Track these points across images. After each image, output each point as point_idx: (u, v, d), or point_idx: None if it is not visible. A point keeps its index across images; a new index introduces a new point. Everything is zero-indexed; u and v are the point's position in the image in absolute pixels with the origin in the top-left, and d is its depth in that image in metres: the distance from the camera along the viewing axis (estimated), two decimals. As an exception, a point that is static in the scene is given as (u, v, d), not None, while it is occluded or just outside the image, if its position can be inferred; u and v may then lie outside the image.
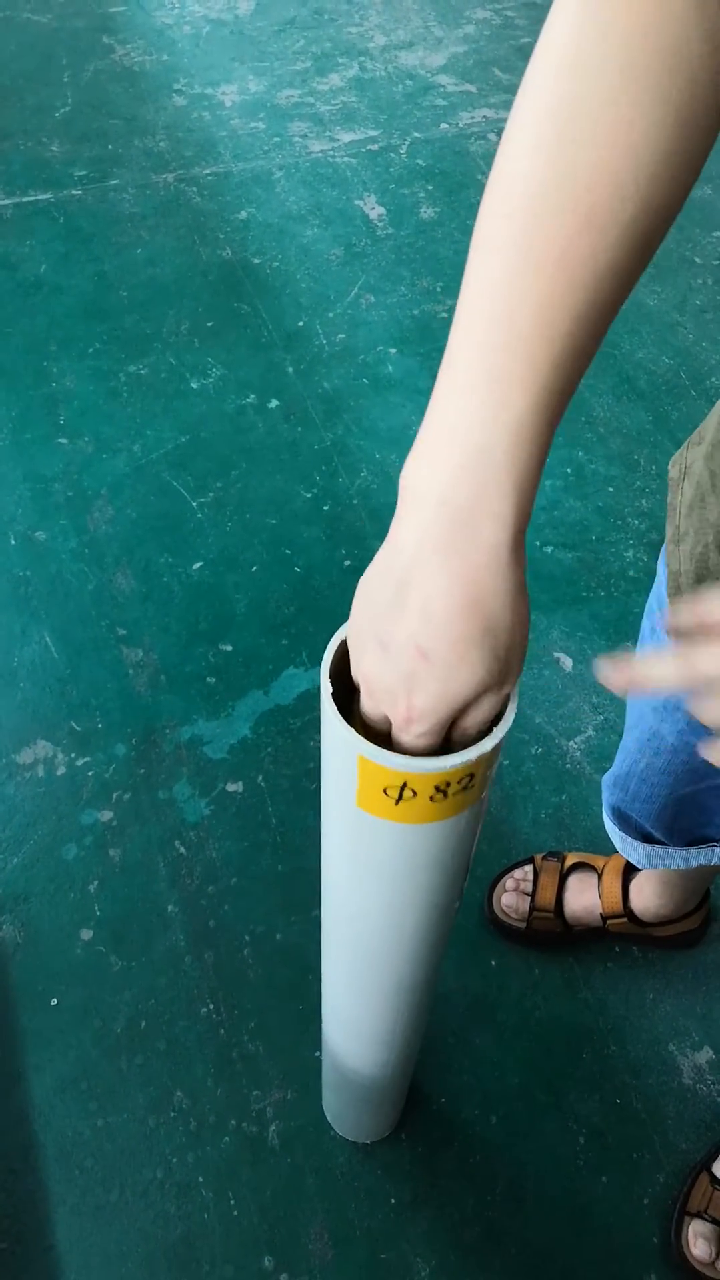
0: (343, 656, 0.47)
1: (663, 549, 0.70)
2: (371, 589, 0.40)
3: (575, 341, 0.35)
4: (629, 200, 0.33)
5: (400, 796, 0.45)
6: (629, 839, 0.94)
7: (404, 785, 0.44)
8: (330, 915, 0.61)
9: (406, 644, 0.38)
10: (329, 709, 0.44)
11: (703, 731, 0.72)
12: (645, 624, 0.75)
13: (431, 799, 0.45)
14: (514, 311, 0.34)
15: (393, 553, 0.38)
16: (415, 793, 0.44)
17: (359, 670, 0.41)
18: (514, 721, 0.45)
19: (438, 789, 0.44)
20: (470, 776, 0.44)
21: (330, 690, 0.45)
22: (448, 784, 0.44)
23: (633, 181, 0.32)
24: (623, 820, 0.93)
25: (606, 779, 0.93)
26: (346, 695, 0.49)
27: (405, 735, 0.41)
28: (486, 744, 0.43)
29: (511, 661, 0.39)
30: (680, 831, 0.89)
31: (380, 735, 0.46)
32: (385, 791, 0.45)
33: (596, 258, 0.33)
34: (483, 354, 0.35)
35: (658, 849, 0.93)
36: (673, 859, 0.93)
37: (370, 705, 0.42)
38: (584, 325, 0.35)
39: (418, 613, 0.37)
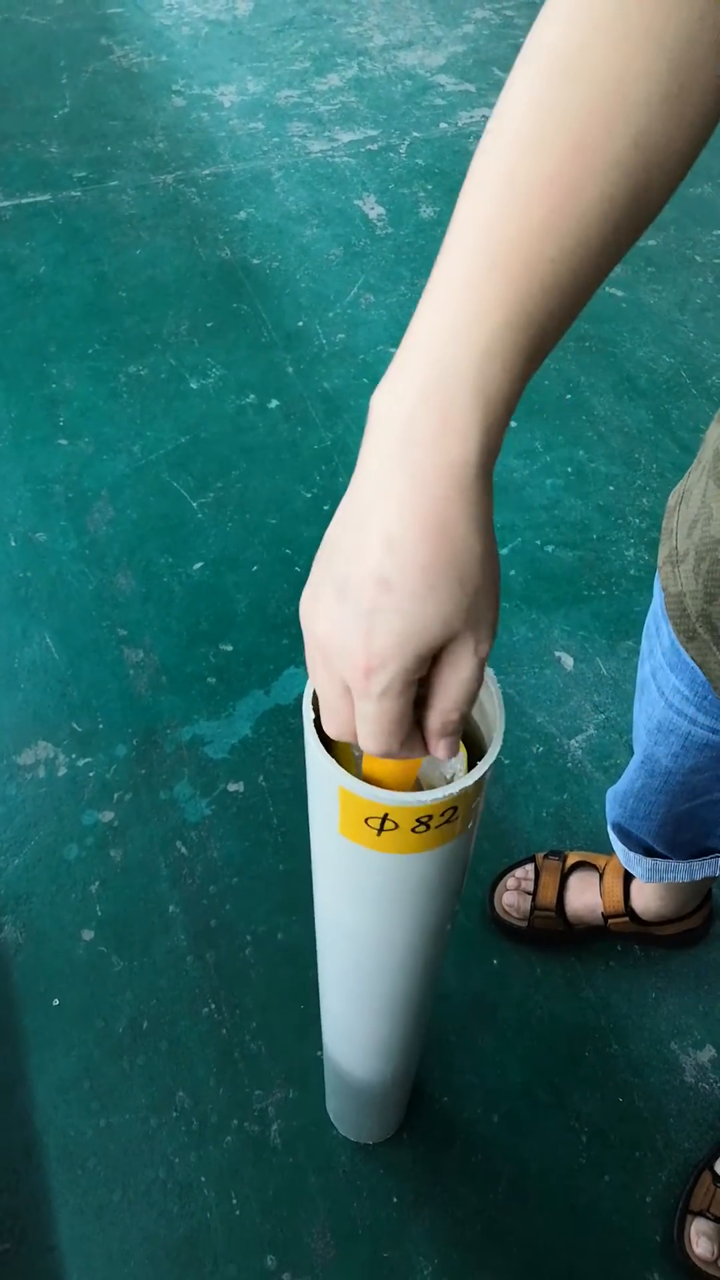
0: None
1: (657, 576, 0.70)
2: (332, 537, 0.37)
3: (558, 272, 0.34)
4: (618, 135, 0.32)
5: (382, 828, 0.44)
6: (632, 854, 0.94)
7: (385, 817, 0.43)
8: (323, 930, 0.61)
9: (367, 579, 0.35)
10: (311, 739, 0.44)
11: (696, 755, 0.72)
12: (645, 645, 0.74)
13: (414, 830, 0.44)
14: (496, 235, 0.34)
15: (354, 492, 0.36)
16: (396, 825, 0.43)
17: (314, 637, 0.38)
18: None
19: (420, 821, 0.43)
20: (453, 810, 0.43)
21: (313, 717, 0.44)
22: (429, 817, 0.43)
23: (622, 118, 0.32)
24: (625, 835, 0.93)
25: (609, 795, 0.93)
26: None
27: (368, 702, 0.37)
28: (469, 779, 0.42)
29: (480, 604, 0.36)
30: (682, 845, 0.89)
31: (373, 774, 0.45)
32: (367, 822, 0.44)
33: (584, 187, 0.33)
34: (460, 275, 0.34)
35: (661, 863, 0.93)
36: (677, 872, 0.93)
37: (325, 680, 0.38)
38: (568, 259, 0.34)
39: (379, 543, 0.35)
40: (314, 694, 0.44)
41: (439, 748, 0.40)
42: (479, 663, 0.38)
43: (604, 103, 0.32)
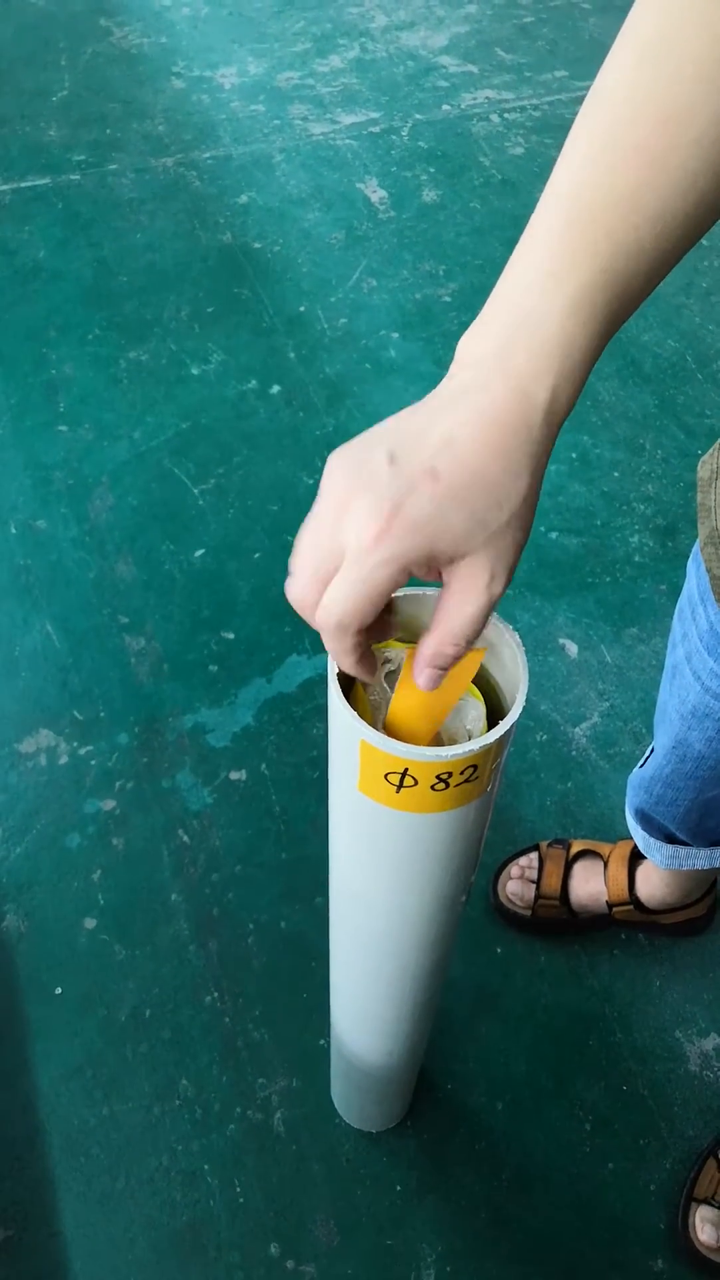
0: None
1: (694, 553, 0.69)
2: (396, 419, 0.39)
3: (641, 239, 0.36)
4: (701, 113, 0.35)
5: (401, 784, 0.44)
6: (652, 840, 0.94)
7: (405, 772, 0.43)
8: (337, 900, 0.61)
9: (419, 462, 0.36)
10: (335, 691, 0.44)
11: None
12: (677, 629, 0.73)
13: (433, 788, 0.44)
14: (584, 201, 0.36)
15: (432, 395, 0.38)
16: (416, 781, 0.43)
17: (340, 487, 0.38)
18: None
19: (439, 778, 0.43)
20: (473, 768, 0.43)
21: (336, 672, 0.44)
22: (449, 774, 0.43)
23: (705, 97, 0.35)
24: (646, 822, 0.93)
25: (632, 780, 0.92)
26: (352, 680, 0.49)
27: (362, 567, 0.37)
28: (490, 736, 0.42)
29: (507, 538, 0.38)
30: (706, 832, 0.89)
31: (395, 731, 0.45)
32: (387, 778, 0.44)
33: (668, 160, 0.35)
34: (549, 235, 0.37)
35: (681, 849, 0.93)
36: (697, 859, 0.93)
37: (326, 536, 0.38)
38: (652, 226, 0.36)
39: (441, 438, 0.37)
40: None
41: (420, 675, 0.41)
42: (488, 601, 0.39)
43: (690, 82, 0.34)
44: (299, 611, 0.40)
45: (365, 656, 0.42)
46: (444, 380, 0.39)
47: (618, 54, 0.37)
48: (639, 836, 0.96)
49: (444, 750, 0.42)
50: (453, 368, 0.38)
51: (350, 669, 0.42)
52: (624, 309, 0.37)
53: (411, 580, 0.39)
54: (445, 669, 0.41)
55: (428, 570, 0.38)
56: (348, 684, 0.47)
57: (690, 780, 0.79)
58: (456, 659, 0.40)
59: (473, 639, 0.40)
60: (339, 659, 0.42)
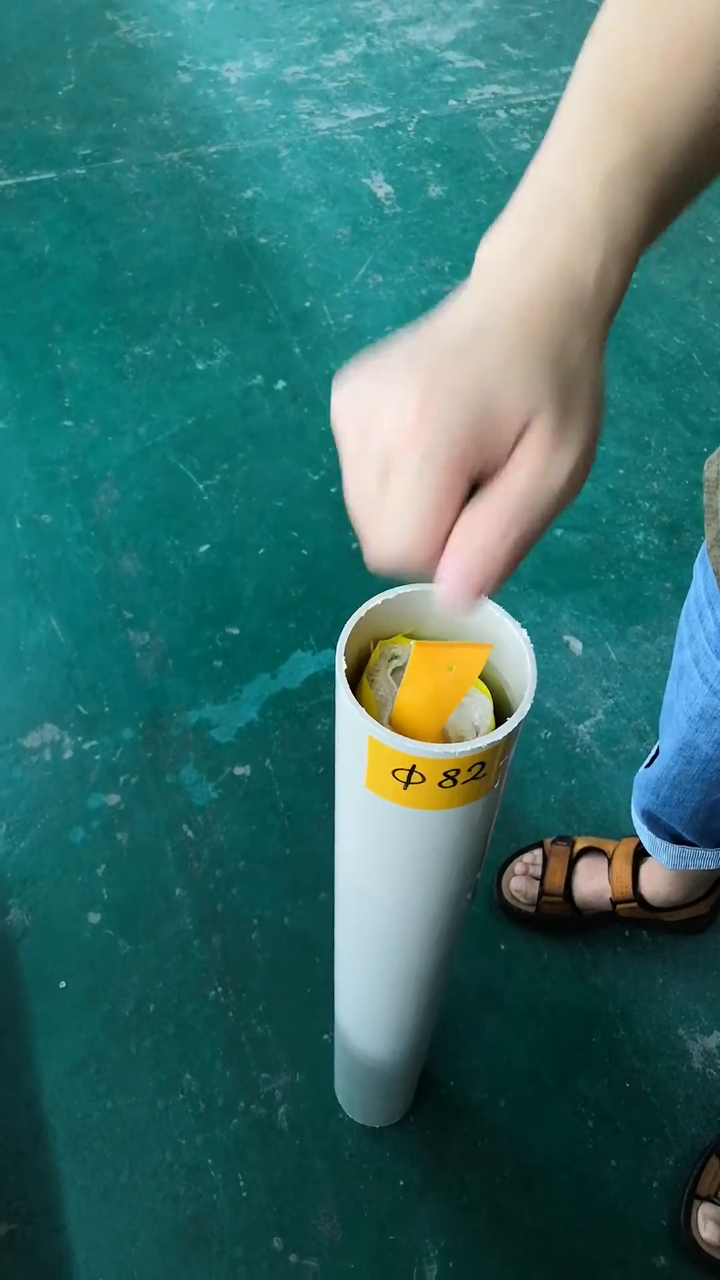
0: (358, 637, 0.47)
1: (700, 555, 0.69)
2: (417, 329, 0.32)
3: (676, 128, 0.33)
4: None
5: (409, 780, 0.44)
6: (659, 840, 0.94)
7: (413, 769, 0.43)
8: (342, 897, 0.61)
9: (444, 346, 0.30)
10: (343, 688, 0.44)
11: None
12: (684, 630, 0.73)
13: (441, 785, 0.44)
14: (612, 92, 0.33)
15: (453, 299, 0.32)
16: (424, 777, 0.43)
17: (355, 405, 0.31)
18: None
19: (447, 775, 0.43)
20: (481, 765, 0.43)
21: (345, 668, 0.44)
22: (457, 771, 0.43)
23: None
24: (653, 822, 0.93)
25: (638, 781, 0.92)
26: (360, 675, 0.48)
27: (405, 476, 0.29)
28: (498, 733, 0.42)
29: (576, 395, 0.30)
30: (712, 834, 0.88)
31: (401, 727, 0.45)
32: (394, 774, 0.44)
33: (697, 57, 0.33)
34: (578, 121, 0.33)
35: (688, 850, 0.93)
36: (703, 860, 0.93)
37: (361, 463, 0.31)
38: (687, 116, 0.33)
39: (479, 306, 0.31)
40: (345, 645, 0.44)
41: (451, 571, 0.30)
42: (566, 477, 0.29)
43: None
44: (386, 574, 0.33)
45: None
46: (471, 276, 0.33)
47: None
48: (645, 837, 0.96)
49: (452, 747, 0.42)
50: (471, 274, 0.33)
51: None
52: (666, 202, 0.33)
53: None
54: (490, 575, 0.30)
55: (494, 453, 0.29)
56: (354, 680, 0.47)
57: (697, 782, 0.79)
58: (508, 565, 0.30)
59: (536, 533, 0.30)
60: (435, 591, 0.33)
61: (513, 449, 0.29)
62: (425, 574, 0.31)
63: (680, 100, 0.33)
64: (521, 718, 0.43)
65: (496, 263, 0.32)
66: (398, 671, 0.48)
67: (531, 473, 0.29)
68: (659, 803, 0.87)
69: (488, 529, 0.29)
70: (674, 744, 0.78)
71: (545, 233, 0.31)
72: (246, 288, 1.87)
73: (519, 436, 0.29)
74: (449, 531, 0.30)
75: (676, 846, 0.93)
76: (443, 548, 0.30)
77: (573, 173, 0.32)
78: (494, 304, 0.30)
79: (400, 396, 0.29)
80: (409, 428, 0.29)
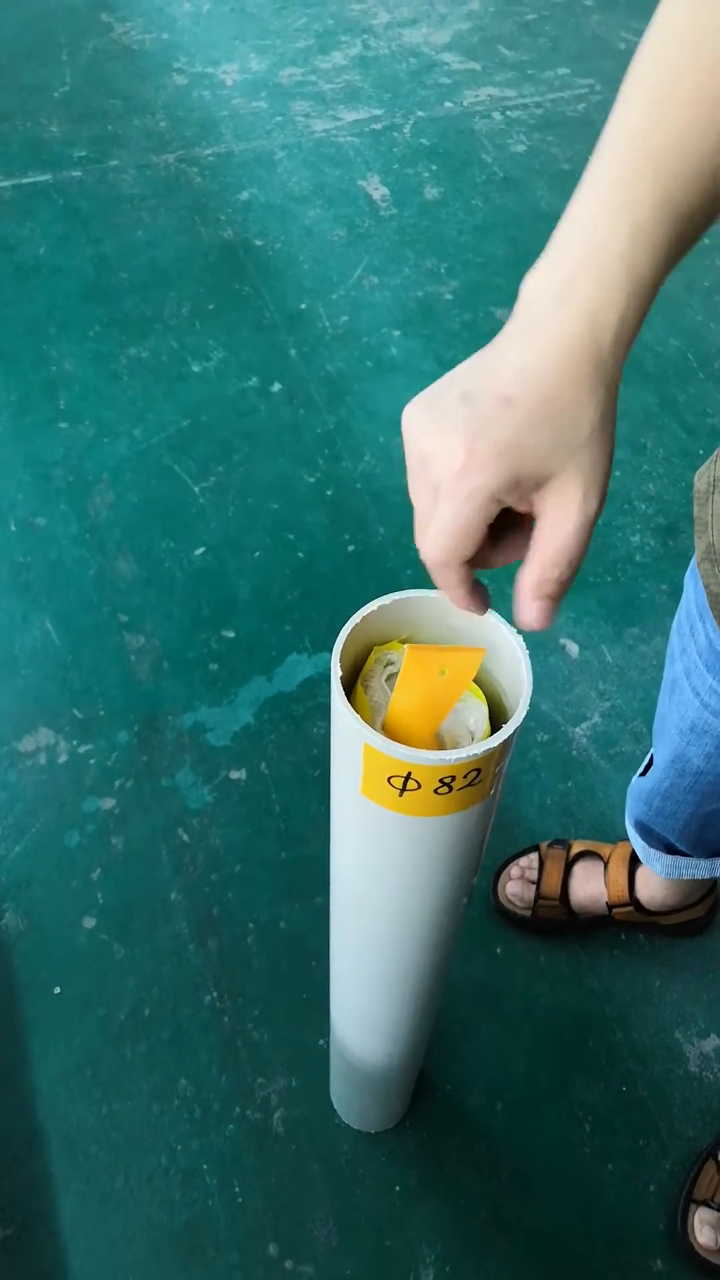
0: (353, 643, 0.46)
1: (691, 568, 0.69)
2: (467, 363, 0.39)
3: (700, 171, 0.37)
4: None
5: (404, 788, 0.44)
6: (652, 850, 0.94)
7: (408, 776, 0.43)
8: (338, 902, 0.61)
9: (492, 393, 0.37)
10: (338, 695, 0.44)
11: None
12: (675, 643, 0.73)
13: (436, 791, 0.44)
14: (643, 139, 0.37)
15: (500, 335, 0.39)
16: (419, 784, 0.43)
17: (419, 440, 0.39)
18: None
19: (442, 782, 0.43)
20: (476, 772, 0.43)
21: (340, 674, 0.44)
22: (452, 778, 0.43)
23: None
24: (646, 832, 0.93)
25: (631, 791, 0.92)
26: (355, 681, 0.48)
27: (450, 502, 0.38)
28: (493, 740, 0.42)
29: (591, 456, 0.38)
30: (706, 844, 0.88)
31: (394, 732, 0.45)
32: (390, 781, 0.44)
33: None
34: (609, 173, 0.38)
35: (681, 859, 0.93)
36: (697, 869, 0.93)
37: (421, 488, 0.40)
38: (711, 158, 0.37)
39: (514, 368, 0.37)
40: (340, 652, 0.44)
41: (529, 609, 0.40)
42: (584, 518, 0.38)
43: None
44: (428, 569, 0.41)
45: (474, 590, 0.42)
46: (509, 320, 0.39)
47: (670, 1, 0.38)
48: (639, 846, 0.96)
49: (447, 754, 0.42)
50: (517, 306, 0.39)
51: (460, 603, 0.43)
52: (686, 240, 0.38)
53: (423, 584, 0.40)
54: (554, 598, 0.40)
55: (519, 498, 0.39)
56: (349, 686, 0.47)
57: (689, 794, 0.79)
58: (564, 585, 0.40)
59: (576, 560, 0.39)
60: (449, 594, 0.42)
61: (541, 489, 0.38)
62: (448, 577, 0.41)
63: (708, 142, 0.36)
64: (516, 725, 0.43)
65: (536, 300, 0.38)
66: (392, 678, 0.48)
67: (561, 517, 0.38)
68: (652, 813, 0.87)
69: (541, 567, 0.39)
70: (666, 756, 0.78)
71: (577, 284, 0.37)
72: (242, 289, 1.87)
73: (545, 483, 0.38)
74: (475, 547, 0.39)
75: (670, 856, 0.93)
76: (466, 561, 0.40)
77: (604, 224, 0.37)
78: (535, 353, 0.37)
79: (452, 445, 0.38)
80: (455, 472, 0.38)
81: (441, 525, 0.39)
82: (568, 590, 0.40)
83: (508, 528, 0.42)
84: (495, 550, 0.42)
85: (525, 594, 0.40)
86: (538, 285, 0.38)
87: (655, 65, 0.38)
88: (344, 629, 0.45)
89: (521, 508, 0.39)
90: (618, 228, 0.37)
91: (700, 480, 0.62)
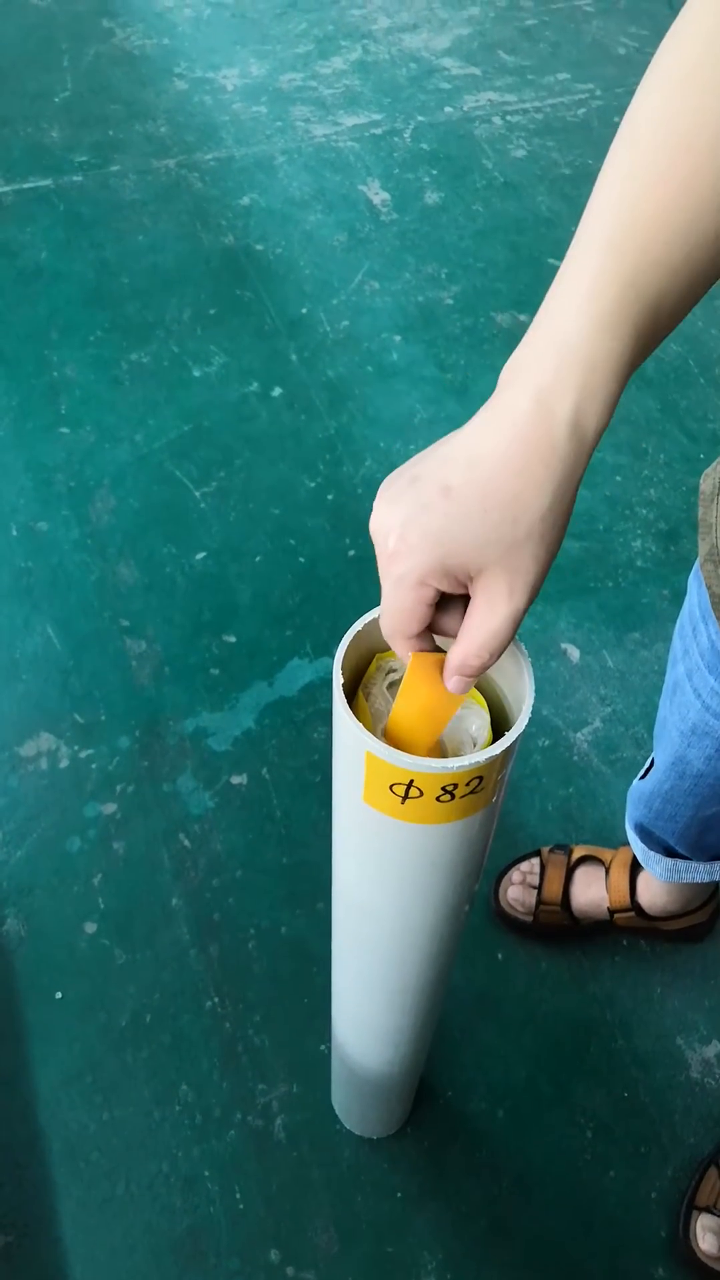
0: (355, 650, 0.46)
1: (694, 569, 0.69)
2: (433, 446, 0.40)
3: (671, 255, 0.37)
4: None
5: (406, 795, 0.44)
6: (652, 853, 0.94)
7: (410, 784, 0.43)
8: (339, 910, 0.61)
9: (435, 480, 0.38)
10: (340, 703, 0.44)
11: None
12: (678, 645, 0.73)
13: (439, 799, 0.44)
14: (614, 222, 0.37)
15: (469, 422, 0.40)
16: (422, 792, 0.43)
17: (379, 502, 0.40)
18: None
19: (445, 790, 0.43)
20: (479, 779, 0.43)
21: (341, 682, 0.44)
22: (455, 785, 0.43)
23: None
24: (646, 835, 0.93)
25: (631, 794, 0.92)
26: (356, 689, 0.48)
27: (386, 583, 0.40)
28: (496, 748, 0.42)
29: (525, 554, 0.38)
30: (706, 847, 0.88)
31: (395, 738, 0.45)
32: (392, 789, 0.44)
33: (695, 183, 0.36)
34: (582, 256, 0.38)
35: (681, 863, 0.93)
36: (696, 873, 0.93)
37: (374, 537, 0.41)
38: (681, 242, 0.36)
39: (463, 458, 0.38)
40: (343, 660, 0.45)
41: (449, 681, 0.42)
42: (509, 614, 0.39)
43: (714, 111, 0.35)
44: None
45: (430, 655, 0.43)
46: (486, 402, 0.40)
47: (649, 82, 0.38)
48: (639, 850, 0.96)
49: (450, 762, 0.42)
50: (497, 387, 0.39)
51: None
52: (656, 327, 0.38)
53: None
54: (474, 677, 0.42)
55: (451, 584, 0.39)
56: (350, 692, 0.47)
57: (689, 797, 0.79)
58: (484, 668, 0.41)
59: (498, 651, 0.40)
60: (403, 658, 0.44)
61: (472, 579, 0.39)
62: (398, 648, 0.43)
63: (681, 226, 0.36)
64: (519, 732, 0.43)
65: (503, 385, 0.39)
66: (394, 685, 0.48)
67: (487, 611, 0.39)
68: (651, 816, 0.87)
69: (464, 654, 0.41)
70: (667, 758, 0.78)
71: (539, 372, 0.37)
72: (243, 294, 1.87)
73: (475, 575, 0.39)
74: (419, 626, 0.41)
75: (669, 860, 0.93)
76: (414, 635, 0.41)
77: (570, 316, 0.37)
78: (486, 440, 0.38)
79: (389, 527, 0.39)
80: (388, 554, 0.39)
81: (383, 602, 0.40)
82: (490, 666, 0.42)
83: (458, 600, 0.43)
84: (452, 617, 0.43)
85: (448, 668, 0.42)
86: (510, 372, 0.39)
87: (629, 146, 0.38)
88: (345, 636, 0.45)
89: (457, 590, 0.40)
90: (583, 317, 0.37)
91: (705, 482, 0.62)
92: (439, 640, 0.47)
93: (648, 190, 0.36)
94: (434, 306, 1.86)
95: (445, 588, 0.39)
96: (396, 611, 0.40)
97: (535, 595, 0.40)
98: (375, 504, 0.40)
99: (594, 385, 0.37)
